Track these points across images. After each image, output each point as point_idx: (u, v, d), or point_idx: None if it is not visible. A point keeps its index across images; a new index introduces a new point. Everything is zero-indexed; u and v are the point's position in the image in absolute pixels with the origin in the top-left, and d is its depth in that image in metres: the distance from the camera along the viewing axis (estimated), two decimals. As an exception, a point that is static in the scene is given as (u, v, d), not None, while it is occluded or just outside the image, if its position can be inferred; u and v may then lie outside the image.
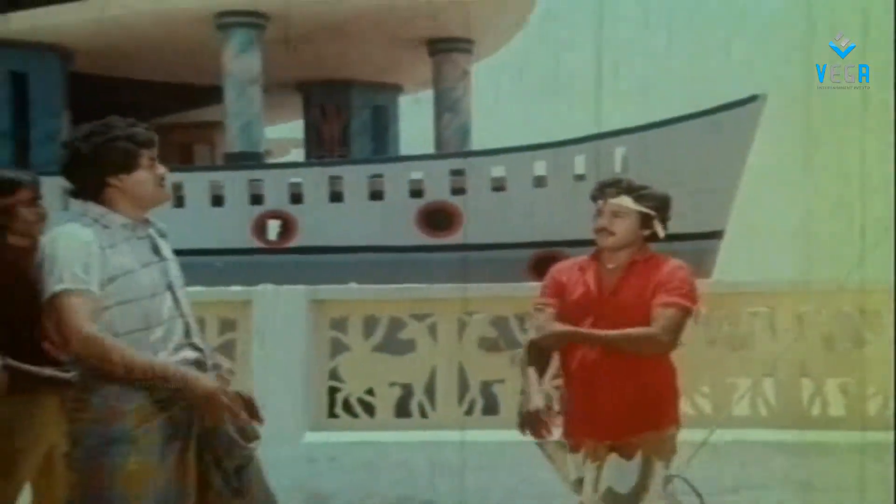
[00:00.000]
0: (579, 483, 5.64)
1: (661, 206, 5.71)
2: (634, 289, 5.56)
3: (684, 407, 10.08)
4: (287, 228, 25.04)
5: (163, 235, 4.89)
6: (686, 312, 5.62)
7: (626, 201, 5.62)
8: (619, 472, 5.50)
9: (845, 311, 9.81)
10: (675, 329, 5.58)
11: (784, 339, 9.87)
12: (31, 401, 5.50)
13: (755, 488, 8.51)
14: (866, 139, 10.71)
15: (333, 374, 10.17)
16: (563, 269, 5.77)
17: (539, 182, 23.68)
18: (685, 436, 9.27)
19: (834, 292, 10.07)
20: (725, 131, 22.94)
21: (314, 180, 25.09)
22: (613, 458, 5.53)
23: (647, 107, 23.56)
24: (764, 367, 9.92)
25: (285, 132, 31.94)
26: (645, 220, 5.64)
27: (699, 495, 8.26)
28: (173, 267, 4.86)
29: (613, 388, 5.50)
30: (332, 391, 10.19)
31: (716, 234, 22.94)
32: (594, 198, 5.75)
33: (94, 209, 4.74)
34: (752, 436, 9.57)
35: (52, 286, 4.57)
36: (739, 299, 10.15)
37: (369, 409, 10.15)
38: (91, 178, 4.78)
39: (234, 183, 25.19)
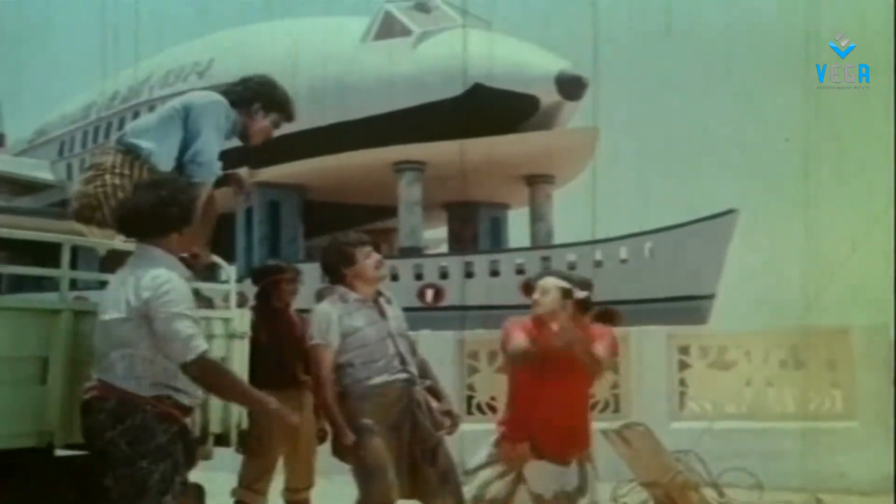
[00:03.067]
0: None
1: (579, 283, 4.89)
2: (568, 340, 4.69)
3: (696, 407, 10.03)
4: (438, 294, 25.16)
5: (389, 302, 4.92)
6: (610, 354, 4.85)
7: (549, 281, 4.89)
8: (560, 475, 4.72)
9: (794, 346, 9.71)
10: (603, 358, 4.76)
11: (756, 363, 9.76)
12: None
13: (737, 457, 8.40)
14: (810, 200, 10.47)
15: (470, 387, 10.21)
16: (518, 322, 4.98)
17: (598, 264, 23.58)
18: (695, 425, 9.30)
19: (787, 333, 9.98)
20: (715, 231, 22.77)
21: (455, 264, 25.27)
22: (548, 465, 4.73)
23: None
24: (743, 381, 9.81)
25: (437, 234, 32.12)
26: (566, 292, 4.82)
27: (704, 462, 8.22)
28: (394, 322, 4.87)
29: (561, 412, 4.73)
30: (469, 398, 10.23)
31: (710, 296, 22.65)
32: (528, 283, 5.12)
33: (341, 289, 4.79)
34: (736, 424, 9.44)
35: (309, 340, 4.72)
36: (727, 338, 10.07)
37: (492, 409, 10.18)
38: (334, 270, 4.85)
39: (405, 266, 25.41)
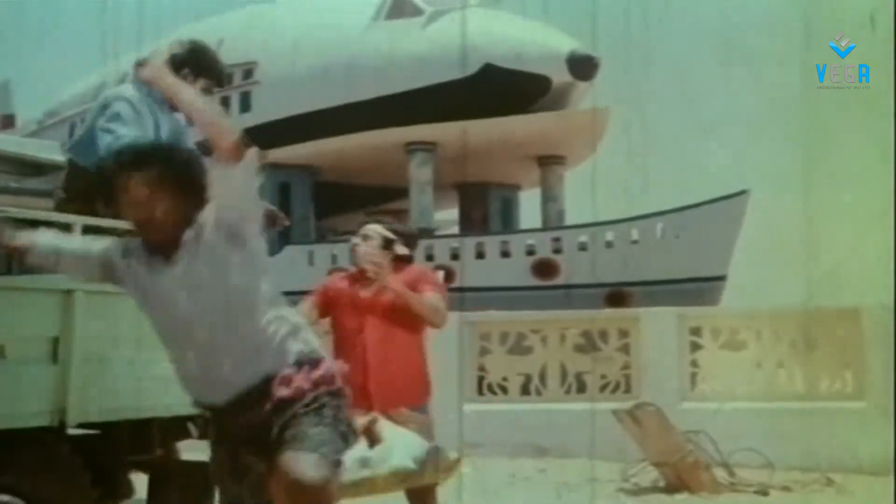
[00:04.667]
0: None
1: (405, 235, 4.79)
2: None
3: (707, 388, 10.05)
4: (449, 276, 25.07)
5: None
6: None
7: (373, 228, 4.72)
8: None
9: (804, 327, 9.71)
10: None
11: (766, 344, 9.77)
12: None
13: (747, 437, 8.44)
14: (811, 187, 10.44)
15: (481, 368, 10.27)
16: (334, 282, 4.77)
17: (609, 245, 23.55)
18: (706, 406, 9.32)
19: (797, 314, 9.98)
20: (726, 212, 22.70)
21: (466, 245, 25.24)
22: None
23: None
24: (754, 362, 9.83)
25: (448, 215, 32.07)
26: (387, 243, 4.64)
27: (714, 442, 8.25)
28: None
29: (385, 367, 4.48)
30: (480, 378, 10.28)
31: (721, 277, 22.59)
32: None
33: None
34: (747, 405, 9.49)
35: None
36: (737, 319, 10.09)
37: (504, 390, 10.23)
38: None
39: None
